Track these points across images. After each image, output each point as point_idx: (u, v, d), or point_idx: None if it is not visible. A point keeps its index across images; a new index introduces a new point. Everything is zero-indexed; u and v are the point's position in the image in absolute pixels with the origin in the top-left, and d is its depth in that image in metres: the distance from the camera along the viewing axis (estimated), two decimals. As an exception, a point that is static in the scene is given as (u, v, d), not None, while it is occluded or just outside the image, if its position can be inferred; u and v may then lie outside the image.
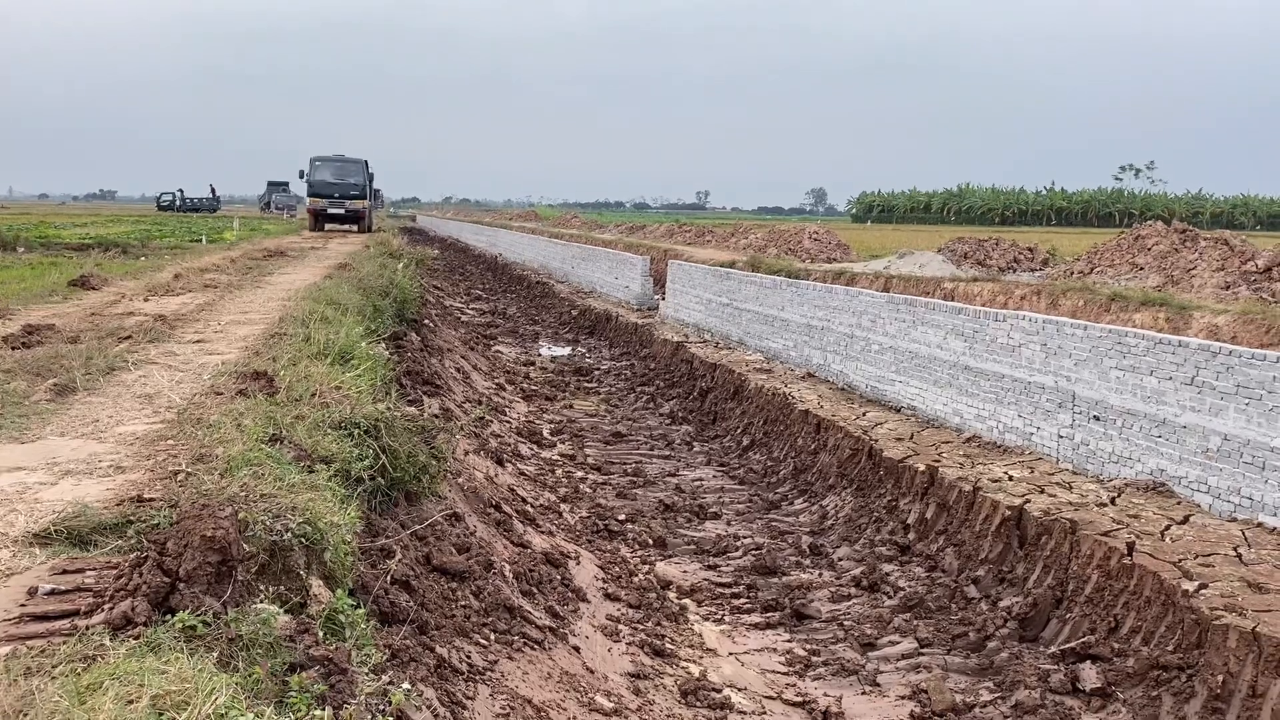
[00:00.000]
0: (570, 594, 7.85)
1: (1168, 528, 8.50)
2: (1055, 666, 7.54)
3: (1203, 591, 7.14)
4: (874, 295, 15.68)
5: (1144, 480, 9.68)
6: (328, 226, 37.93)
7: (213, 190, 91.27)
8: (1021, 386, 11.60)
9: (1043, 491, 9.73)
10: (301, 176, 37.49)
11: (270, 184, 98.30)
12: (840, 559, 10.29)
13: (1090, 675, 7.23)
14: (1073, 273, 21.75)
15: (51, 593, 3.34)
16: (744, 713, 6.96)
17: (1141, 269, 20.00)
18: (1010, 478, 10.27)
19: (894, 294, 16.45)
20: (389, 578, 5.18)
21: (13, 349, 7.88)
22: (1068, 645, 7.73)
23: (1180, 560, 7.71)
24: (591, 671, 6.59)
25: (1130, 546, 8.01)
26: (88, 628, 3.02)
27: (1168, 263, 19.59)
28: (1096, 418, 10.43)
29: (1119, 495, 9.45)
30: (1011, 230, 65.55)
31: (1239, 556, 7.81)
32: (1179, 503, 9.20)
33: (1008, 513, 9.27)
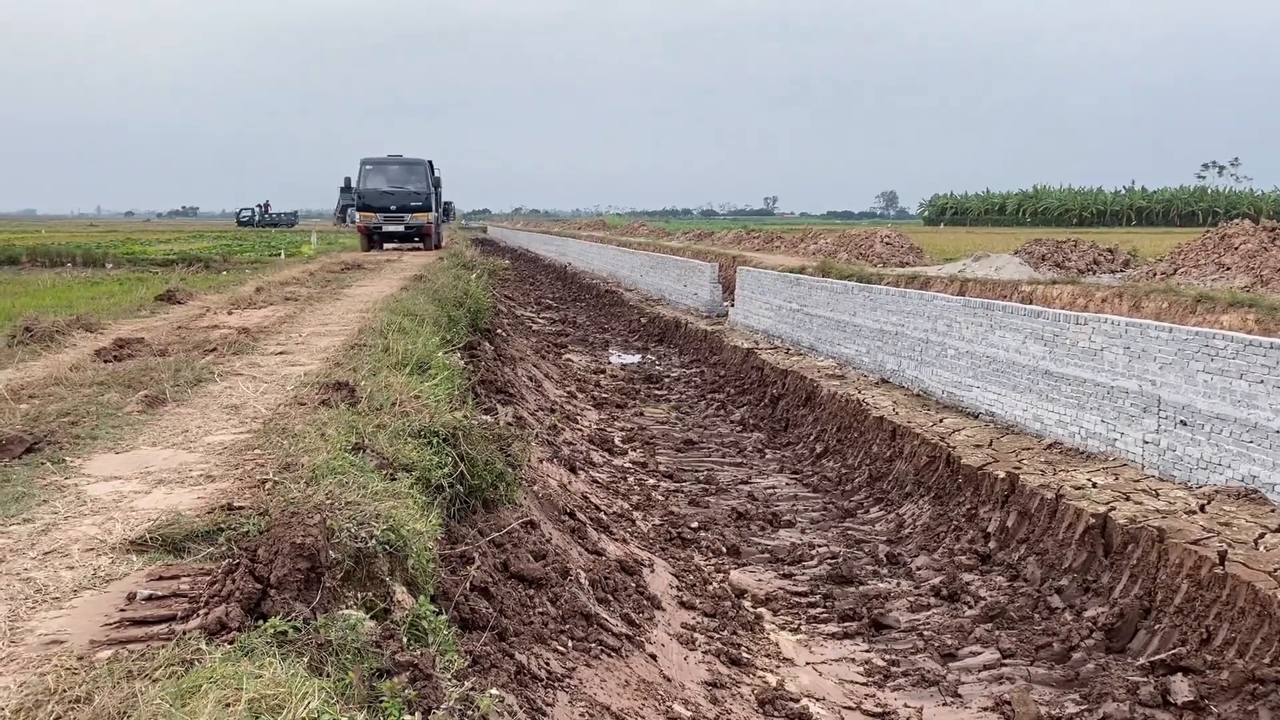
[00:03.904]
0: (645, 602, 7.84)
1: (1262, 536, 8.22)
2: (1144, 679, 7.33)
3: (1301, 602, 6.89)
4: (949, 299, 15.44)
5: (1235, 487, 9.37)
6: (386, 247, 29.22)
7: (267, 206, 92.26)
8: (1104, 391, 11.31)
9: (1128, 499, 9.47)
10: (348, 187, 30.23)
11: (343, 190, 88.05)
12: (919, 568, 10.13)
13: (1182, 688, 7.01)
14: (1155, 274, 21.16)
15: (149, 598, 3.44)
16: (822, 723, 6.88)
17: (1228, 269, 19.37)
18: (1094, 485, 10.02)
19: (970, 298, 16.16)
20: (469, 584, 5.23)
21: (105, 362, 8.15)
22: (1157, 657, 7.52)
23: (1275, 570, 7.45)
24: (668, 680, 6.58)
25: (1222, 555, 7.77)
26: (184, 632, 3.10)
27: (1256, 262, 18.95)
28: (1183, 423, 10.13)
29: (1209, 503, 9.17)
30: (1090, 231, 64.12)
31: (1339, 566, 7.52)
32: (1273, 510, 8.88)
33: (1092, 521, 9.05)
